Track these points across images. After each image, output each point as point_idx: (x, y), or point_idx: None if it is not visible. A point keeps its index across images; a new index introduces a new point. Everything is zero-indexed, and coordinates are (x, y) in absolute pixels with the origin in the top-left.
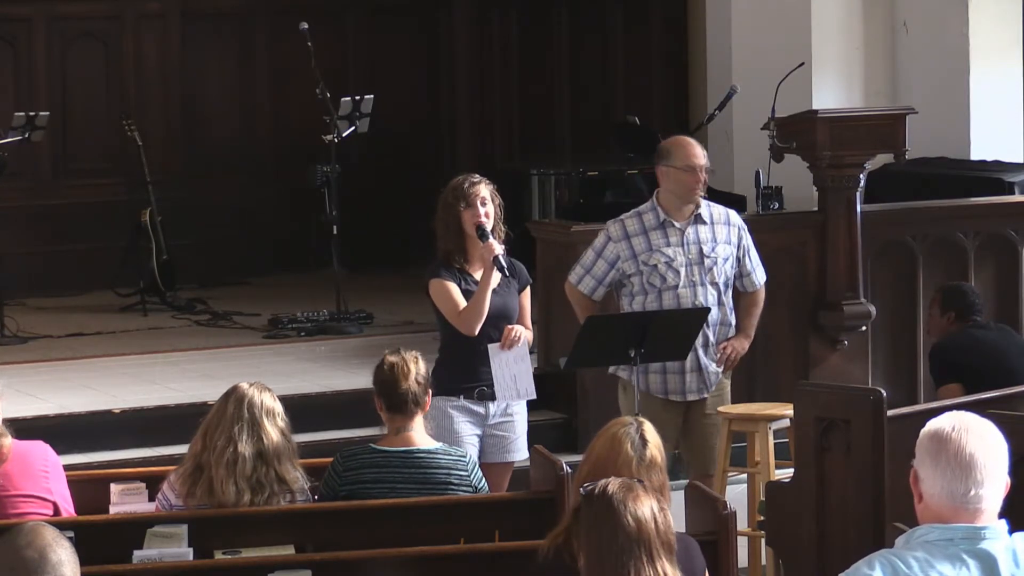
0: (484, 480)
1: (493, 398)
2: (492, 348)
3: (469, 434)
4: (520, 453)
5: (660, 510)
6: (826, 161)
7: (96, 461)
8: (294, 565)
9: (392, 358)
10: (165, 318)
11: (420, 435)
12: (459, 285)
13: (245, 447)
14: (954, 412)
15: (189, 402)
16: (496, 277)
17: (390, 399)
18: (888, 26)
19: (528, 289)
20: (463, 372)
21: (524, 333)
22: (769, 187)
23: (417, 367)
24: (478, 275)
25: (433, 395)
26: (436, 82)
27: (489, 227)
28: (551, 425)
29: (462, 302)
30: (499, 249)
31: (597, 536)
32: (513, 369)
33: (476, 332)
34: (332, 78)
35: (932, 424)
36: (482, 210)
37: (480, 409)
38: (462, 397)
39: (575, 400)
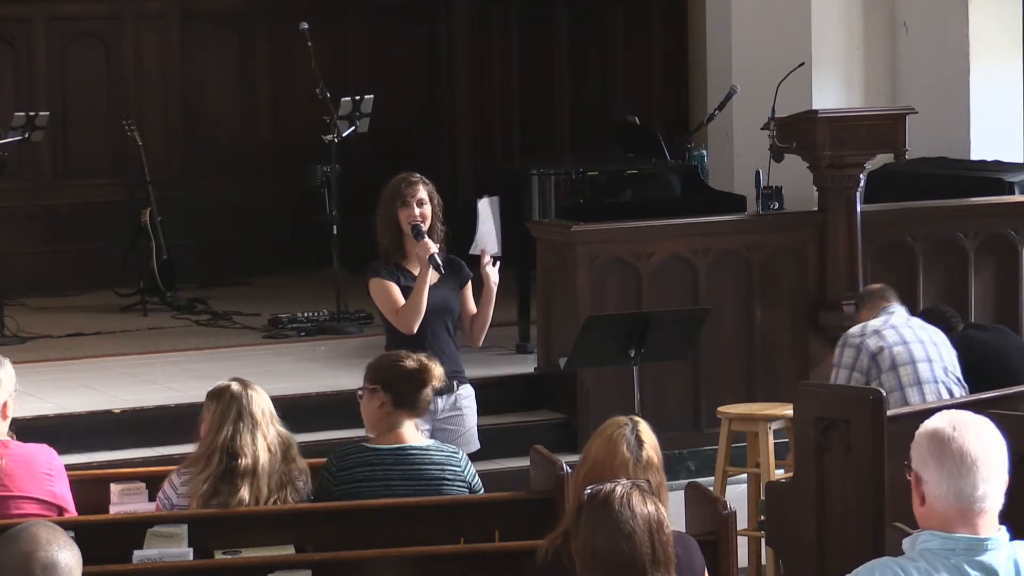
0: (478, 478)
1: (440, 393)
2: (482, 203)
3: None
4: (471, 445)
5: (659, 520)
6: (826, 161)
7: (96, 461)
8: (294, 565)
9: (412, 363)
10: (165, 318)
11: (411, 433)
12: (398, 283)
13: (255, 448)
14: (948, 411)
15: (189, 402)
16: (433, 275)
17: (405, 398)
18: (888, 26)
19: (469, 283)
20: None
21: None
22: (769, 187)
23: (440, 373)
24: (417, 272)
25: None
26: (436, 82)
27: (426, 227)
28: (551, 425)
29: (401, 300)
30: (434, 248)
31: (592, 538)
32: (489, 226)
33: (415, 330)
34: (332, 78)
35: (929, 425)
36: (418, 210)
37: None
38: None
39: (575, 400)
